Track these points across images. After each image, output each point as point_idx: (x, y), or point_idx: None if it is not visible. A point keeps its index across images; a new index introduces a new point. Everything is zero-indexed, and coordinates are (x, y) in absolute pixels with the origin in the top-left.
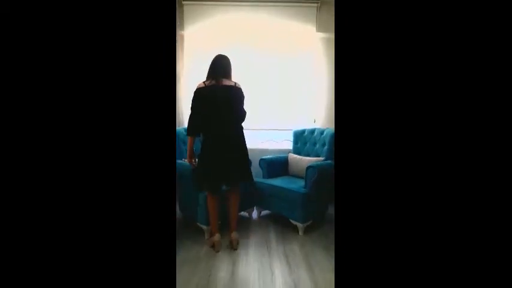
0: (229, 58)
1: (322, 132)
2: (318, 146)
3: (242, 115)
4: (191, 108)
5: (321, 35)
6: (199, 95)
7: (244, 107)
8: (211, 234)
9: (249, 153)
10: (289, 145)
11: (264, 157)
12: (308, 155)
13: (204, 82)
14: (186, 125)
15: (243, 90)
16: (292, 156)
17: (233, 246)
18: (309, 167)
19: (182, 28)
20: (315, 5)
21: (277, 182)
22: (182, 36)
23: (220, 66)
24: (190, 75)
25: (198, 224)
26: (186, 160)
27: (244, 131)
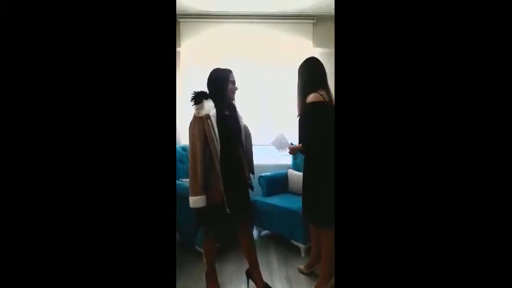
0: None
1: None
2: None
3: None
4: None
5: (318, 50)
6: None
7: None
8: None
9: None
10: (288, 160)
11: (263, 174)
12: None
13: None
14: (182, 143)
15: (241, 105)
16: (292, 172)
17: None
18: None
19: (178, 45)
20: (311, 21)
21: (277, 200)
22: (178, 53)
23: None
24: (185, 92)
25: (197, 247)
26: (183, 180)
27: None
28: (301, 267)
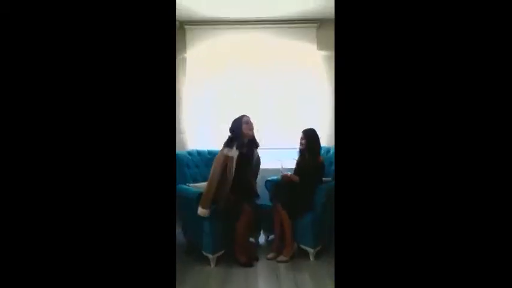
0: (232, 79)
1: (328, 150)
2: None
3: None
4: None
5: (322, 53)
6: None
7: None
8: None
9: None
10: (294, 164)
11: (269, 178)
12: None
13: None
14: (189, 148)
15: (247, 109)
16: None
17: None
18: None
19: (185, 51)
20: (315, 24)
21: None
22: (184, 59)
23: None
24: (192, 98)
25: (204, 252)
26: (190, 185)
27: None
28: (282, 257)
